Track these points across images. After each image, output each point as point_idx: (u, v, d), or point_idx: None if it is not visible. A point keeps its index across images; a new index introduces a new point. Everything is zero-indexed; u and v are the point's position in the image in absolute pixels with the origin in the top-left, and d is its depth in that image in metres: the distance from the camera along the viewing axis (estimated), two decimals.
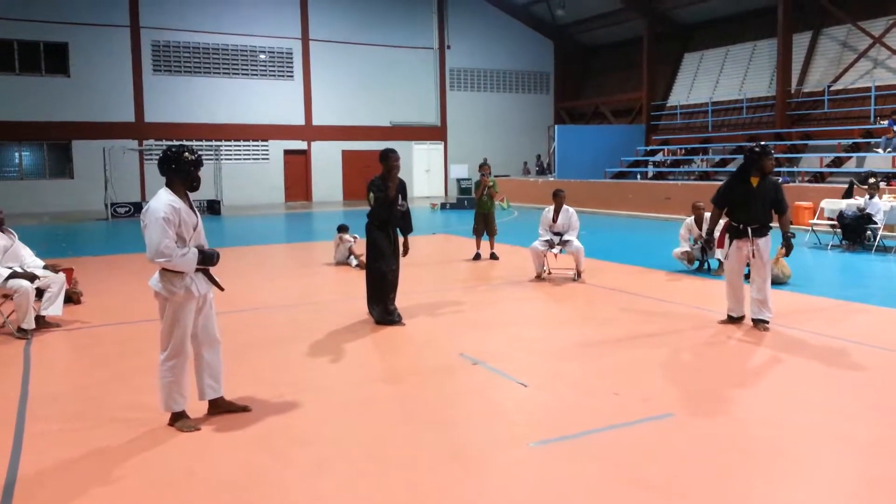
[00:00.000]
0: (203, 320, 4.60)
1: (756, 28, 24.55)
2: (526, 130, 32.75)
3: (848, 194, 14.17)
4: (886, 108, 19.48)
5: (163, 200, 4.35)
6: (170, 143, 24.94)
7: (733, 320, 7.11)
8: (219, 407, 4.73)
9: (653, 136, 27.20)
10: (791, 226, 7.18)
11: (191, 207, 4.51)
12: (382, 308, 7.31)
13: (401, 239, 7.50)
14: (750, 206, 6.80)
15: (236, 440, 4.34)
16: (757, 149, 6.80)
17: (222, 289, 4.70)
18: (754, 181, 6.83)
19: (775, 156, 21.48)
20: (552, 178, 25.69)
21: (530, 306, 8.46)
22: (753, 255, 6.85)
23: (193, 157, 4.46)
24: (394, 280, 7.37)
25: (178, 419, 4.51)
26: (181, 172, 4.44)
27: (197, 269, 4.47)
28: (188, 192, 4.52)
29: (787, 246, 6.93)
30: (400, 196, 7.34)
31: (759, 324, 6.86)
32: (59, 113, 24.44)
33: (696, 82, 26.94)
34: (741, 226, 6.86)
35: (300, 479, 3.82)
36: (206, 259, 4.50)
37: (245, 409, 4.78)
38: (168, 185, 4.47)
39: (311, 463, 4.00)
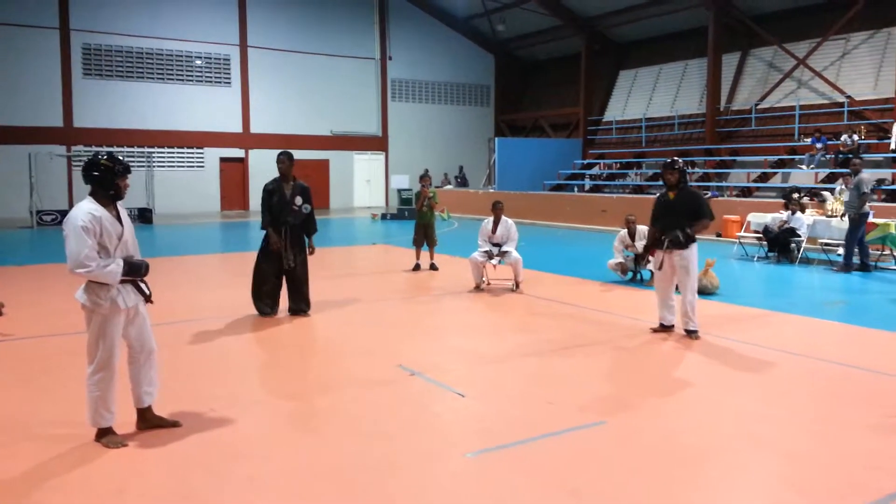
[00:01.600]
0: (135, 331, 4.48)
1: (687, 48, 25.43)
2: (466, 142, 32.97)
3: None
4: (810, 127, 20.43)
5: (82, 209, 4.24)
6: (100, 149, 24.20)
7: (664, 328, 7.35)
8: (148, 421, 4.60)
9: (589, 150, 27.81)
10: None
11: (118, 217, 4.38)
12: (261, 302, 8.10)
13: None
14: (665, 217, 7.17)
15: (168, 456, 4.22)
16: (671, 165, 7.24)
17: (151, 301, 4.57)
18: (671, 194, 7.22)
19: (706, 171, 22.19)
20: (492, 190, 25.94)
21: (469, 316, 8.51)
22: (661, 266, 7.18)
23: (115, 166, 4.34)
24: (291, 275, 8.07)
25: (105, 435, 4.36)
26: (104, 181, 4.33)
27: (125, 281, 4.34)
28: (115, 201, 4.40)
29: (671, 238, 6.94)
30: (301, 198, 8.03)
31: (689, 334, 7.14)
32: None
33: (631, 99, 27.70)
34: (661, 236, 7.18)
35: (235, 494, 3.74)
36: (134, 269, 4.37)
37: (175, 423, 4.65)
38: (91, 193, 4.36)
39: (246, 478, 3.92)
